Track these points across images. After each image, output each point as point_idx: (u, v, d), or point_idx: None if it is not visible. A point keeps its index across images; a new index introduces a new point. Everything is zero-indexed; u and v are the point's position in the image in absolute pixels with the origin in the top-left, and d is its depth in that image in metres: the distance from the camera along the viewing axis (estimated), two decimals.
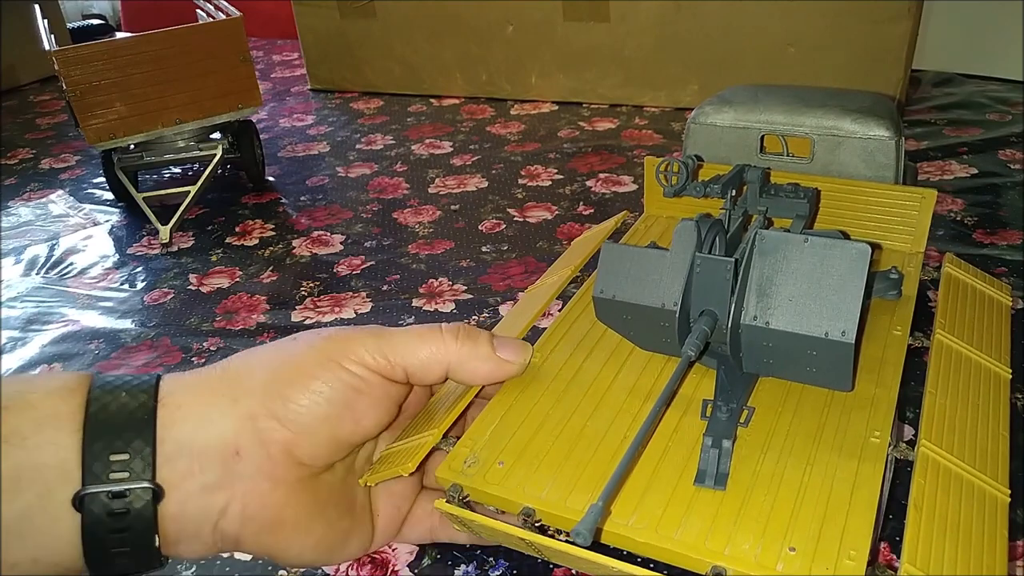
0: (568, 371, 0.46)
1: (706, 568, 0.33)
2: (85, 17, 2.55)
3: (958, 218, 1.02)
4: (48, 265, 1.13)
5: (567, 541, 0.31)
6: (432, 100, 1.69)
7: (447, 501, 0.37)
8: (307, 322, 0.92)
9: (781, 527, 0.34)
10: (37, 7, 1.38)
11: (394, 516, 0.43)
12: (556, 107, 1.59)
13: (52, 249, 1.18)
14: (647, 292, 0.40)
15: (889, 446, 0.38)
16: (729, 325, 0.38)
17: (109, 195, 1.32)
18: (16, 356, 0.92)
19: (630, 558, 0.33)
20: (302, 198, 1.27)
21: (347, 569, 0.54)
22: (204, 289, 1.02)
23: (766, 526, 0.34)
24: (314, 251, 1.09)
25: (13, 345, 0.94)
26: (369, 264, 1.04)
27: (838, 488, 0.36)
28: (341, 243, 1.11)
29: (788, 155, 0.65)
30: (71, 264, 1.13)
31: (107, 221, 1.26)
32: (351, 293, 0.98)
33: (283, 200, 1.28)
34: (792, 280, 0.37)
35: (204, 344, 0.90)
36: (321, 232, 1.14)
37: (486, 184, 1.27)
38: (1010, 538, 0.57)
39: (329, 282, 1.01)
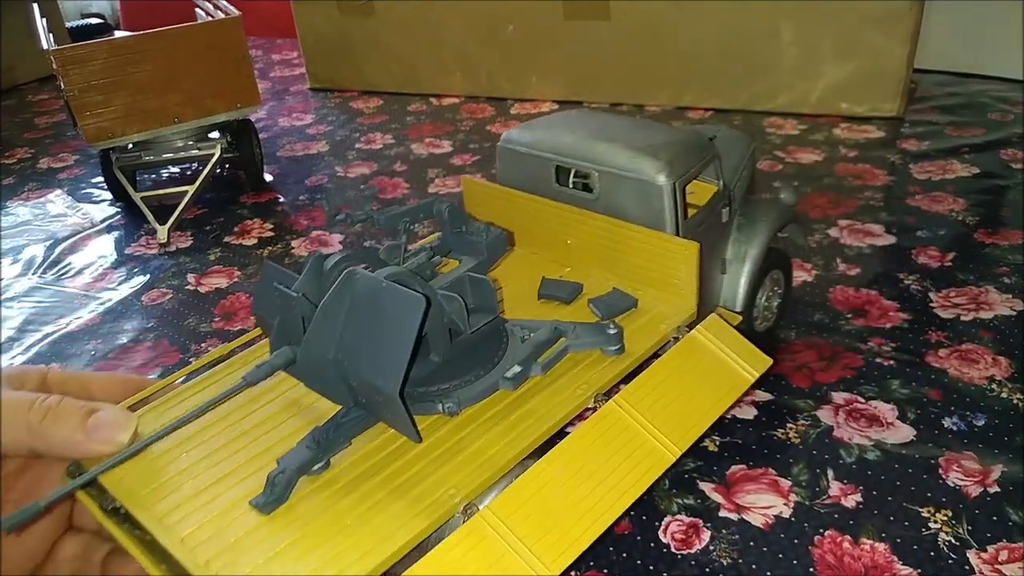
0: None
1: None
2: (84, 16, 2.55)
3: (960, 218, 1.01)
4: (46, 265, 1.13)
5: None
6: (432, 99, 1.69)
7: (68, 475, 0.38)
8: None
9: (295, 554, 0.35)
10: (36, 6, 1.38)
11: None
12: (556, 106, 1.59)
13: (50, 249, 1.17)
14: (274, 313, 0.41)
15: (462, 506, 0.38)
16: (298, 359, 0.39)
17: (107, 195, 1.32)
18: (15, 356, 0.91)
19: None
20: (301, 197, 1.27)
21: None
22: (202, 289, 1.02)
23: (281, 551, 0.35)
24: (313, 251, 1.08)
25: (11, 345, 0.93)
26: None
27: (381, 531, 0.36)
28: (340, 243, 1.10)
29: (577, 189, 0.61)
30: (69, 264, 1.12)
31: (105, 221, 1.26)
32: None
33: (282, 200, 1.28)
34: (364, 321, 0.37)
35: (203, 345, 0.89)
36: (320, 232, 1.14)
37: None
38: (1010, 539, 0.57)
39: None
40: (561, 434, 0.42)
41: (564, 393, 0.44)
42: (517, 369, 0.44)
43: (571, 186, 0.62)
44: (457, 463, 0.40)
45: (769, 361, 0.49)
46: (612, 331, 0.47)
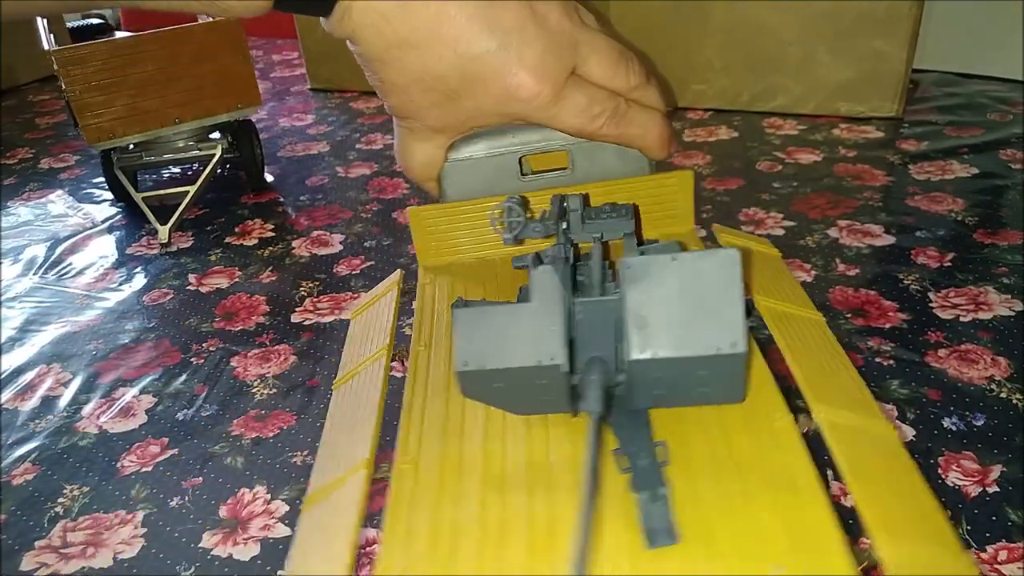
0: (450, 464, 0.40)
1: None
2: (84, 16, 2.55)
3: (959, 218, 1.02)
4: (47, 265, 1.13)
5: None
6: None
7: None
8: (307, 322, 0.92)
9: (756, 553, 0.31)
10: None
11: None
12: None
13: (51, 249, 1.17)
14: (519, 352, 0.37)
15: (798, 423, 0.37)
16: (620, 366, 0.36)
17: (108, 195, 1.32)
18: (15, 356, 0.91)
19: None
20: (301, 198, 1.27)
21: None
22: (203, 289, 1.02)
23: (742, 559, 0.31)
24: (314, 251, 1.08)
25: (12, 345, 0.94)
26: (369, 264, 1.04)
27: (777, 489, 0.33)
28: (341, 243, 1.11)
29: (549, 171, 0.65)
30: (70, 264, 1.13)
31: (106, 221, 1.26)
32: (351, 293, 0.97)
33: (282, 200, 1.28)
34: (669, 303, 0.35)
35: (204, 345, 0.90)
36: (321, 232, 1.14)
37: None
38: (1009, 539, 0.58)
39: (328, 282, 1.00)
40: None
41: None
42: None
43: (542, 170, 0.64)
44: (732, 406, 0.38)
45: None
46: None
